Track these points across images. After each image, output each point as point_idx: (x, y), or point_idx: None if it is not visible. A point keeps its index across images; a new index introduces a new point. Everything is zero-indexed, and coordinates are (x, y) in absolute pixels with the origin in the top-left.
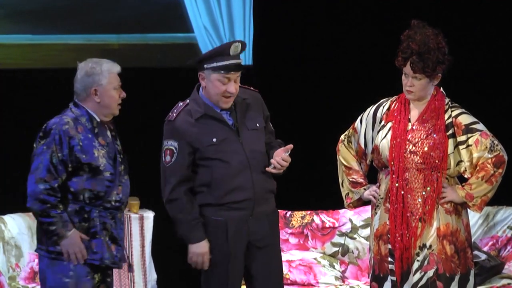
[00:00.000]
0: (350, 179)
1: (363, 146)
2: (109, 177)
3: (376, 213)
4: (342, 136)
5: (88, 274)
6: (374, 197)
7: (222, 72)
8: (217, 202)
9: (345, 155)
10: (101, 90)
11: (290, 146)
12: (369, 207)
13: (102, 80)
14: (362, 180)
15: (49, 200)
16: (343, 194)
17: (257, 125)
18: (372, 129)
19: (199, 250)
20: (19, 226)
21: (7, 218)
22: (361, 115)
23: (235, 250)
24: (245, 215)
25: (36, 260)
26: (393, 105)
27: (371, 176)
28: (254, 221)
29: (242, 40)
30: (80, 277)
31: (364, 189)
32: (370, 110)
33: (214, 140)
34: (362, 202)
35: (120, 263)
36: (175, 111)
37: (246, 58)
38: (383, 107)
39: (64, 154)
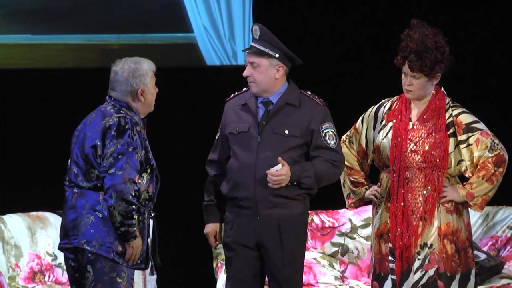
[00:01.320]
0: (352, 179)
1: (364, 146)
2: (155, 179)
3: (377, 212)
4: (344, 137)
5: (133, 276)
6: (375, 196)
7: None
8: (227, 195)
9: (347, 156)
10: (146, 90)
11: (278, 159)
12: (369, 207)
13: (146, 80)
14: (363, 180)
15: (135, 202)
16: (345, 195)
17: (286, 131)
18: (373, 129)
19: (205, 230)
20: (19, 226)
21: (7, 218)
22: (362, 115)
23: (240, 249)
24: (250, 215)
25: (36, 260)
26: (394, 105)
27: (372, 176)
28: (261, 223)
29: (259, 24)
30: (129, 279)
31: (366, 189)
32: (371, 110)
33: (237, 129)
34: (363, 202)
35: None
36: (235, 93)
37: None
38: (384, 107)
39: (141, 155)
